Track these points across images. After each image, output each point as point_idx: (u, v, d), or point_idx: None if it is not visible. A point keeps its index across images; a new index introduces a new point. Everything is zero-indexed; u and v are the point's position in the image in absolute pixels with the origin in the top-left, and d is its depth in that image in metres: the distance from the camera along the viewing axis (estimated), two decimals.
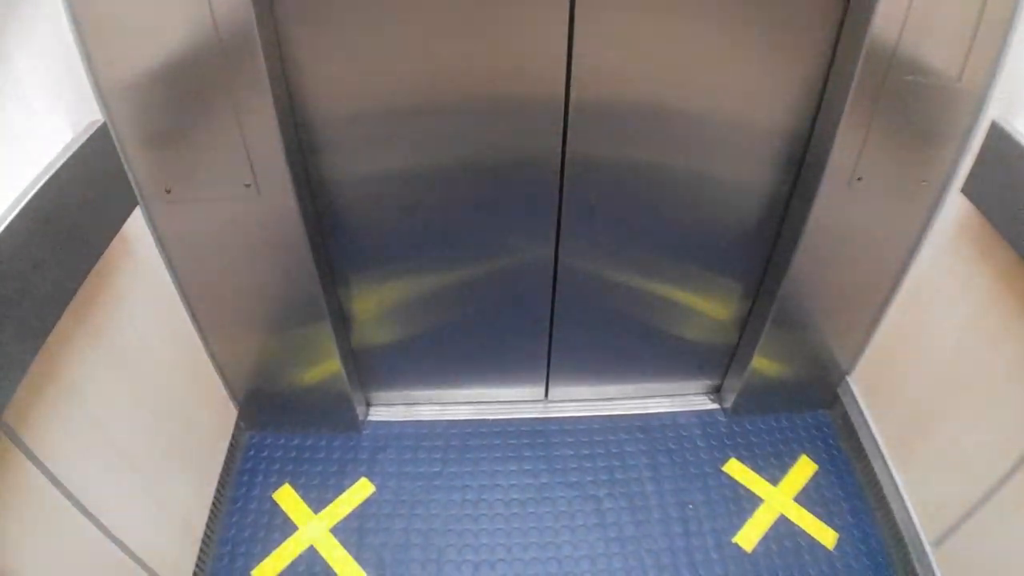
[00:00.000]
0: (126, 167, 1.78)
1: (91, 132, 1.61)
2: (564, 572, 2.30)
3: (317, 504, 2.46)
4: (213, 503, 2.33)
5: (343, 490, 2.51)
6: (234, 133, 1.75)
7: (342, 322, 2.42)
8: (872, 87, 1.77)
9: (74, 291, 1.52)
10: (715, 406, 2.80)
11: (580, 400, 2.82)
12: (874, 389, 2.52)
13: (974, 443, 1.99)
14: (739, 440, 2.67)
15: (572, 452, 2.65)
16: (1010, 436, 1.83)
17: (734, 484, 2.53)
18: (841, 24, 1.79)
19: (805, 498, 2.48)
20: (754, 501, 2.48)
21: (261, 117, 1.73)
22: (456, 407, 2.79)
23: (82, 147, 1.55)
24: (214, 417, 2.43)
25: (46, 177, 1.42)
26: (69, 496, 1.56)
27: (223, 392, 2.47)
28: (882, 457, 2.40)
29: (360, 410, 2.67)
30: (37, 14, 1.47)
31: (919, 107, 1.83)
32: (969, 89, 1.80)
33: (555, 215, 2.17)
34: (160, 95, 1.68)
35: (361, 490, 2.50)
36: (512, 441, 2.69)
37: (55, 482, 1.51)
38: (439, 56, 1.81)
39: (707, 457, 2.62)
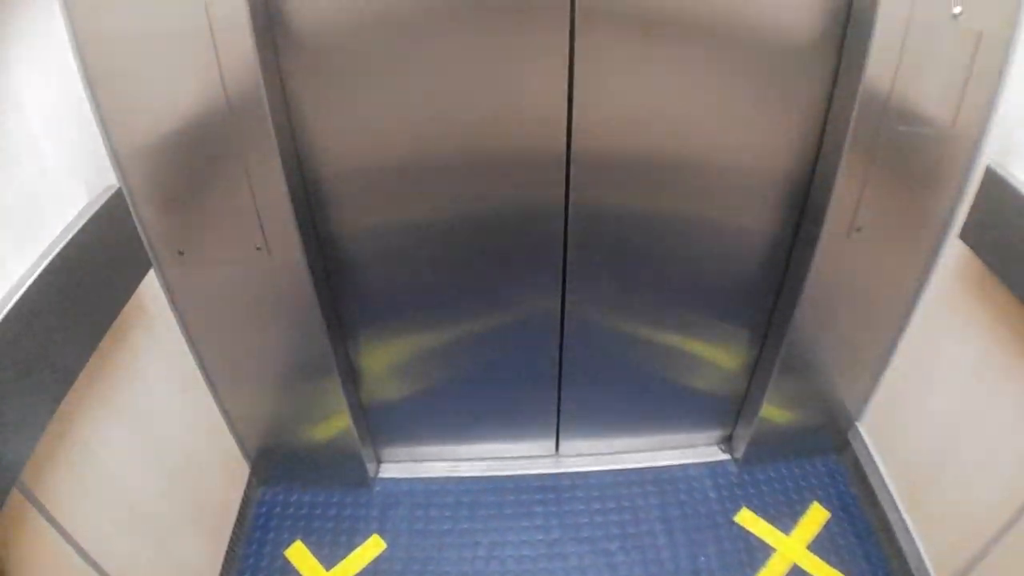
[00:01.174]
0: (140, 230, 1.83)
1: (107, 197, 1.66)
2: None
3: (329, 561, 2.45)
4: (225, 559, 2.33)
5: (355, 547, 2.50)
6: (245, 196, 1.81)
7: (351, 378, 2.44)
8: (867, 138, 1.81)
9: (90, 353, 1.55)
10: (726, 456, 2.80)
11: (591, 454, 2.81)
12: (884, 434, 2.51)
13: (982, 486, 1.98)
14: (750, 489, 2.66)
15: (583, 507, 2.63)
16: (1017, 478, 1.83)
17: (746, 535, 2.51)
18: (835, 76, 1.84)
19: (818, 546, 2.46)
20: (767, 551, 2.45)
21: (271, 180, 1.79)
22: (466, 463, 2.79)
23: (98, 212, 1.60)
24: (226, 473, 2.45)
25: (64, 242, 1.47)
26: (83, 554, 1.57)
27: (235, 448, 2.48)
28: (893, 502, 2.38)
29: (371, 466, 2.68)
30: (56, 82, 1.54)
31: (915, 156, 1.87)
32: (963, 135, 1.84)
33: (560, 267, 2.21)
34: (174, 159, 1.74)
35: (373, 547, 2.50)
36: (523, 497, 2.68)
37: (69, 540, 1.53)
38: (442, 112, 1.87)
39: (719, 508, 2.60)
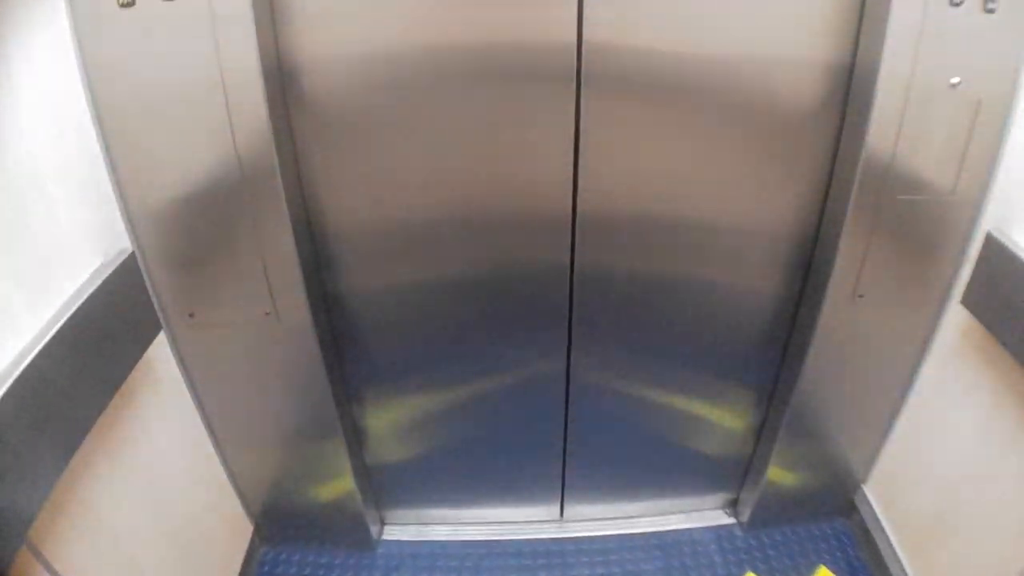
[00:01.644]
0: (151, 293, 1.87)
1: (120, 259, 1.70)
2: None
3: None
4: None
5: None
6: (255, 260, 1.85)
7: (356, 440, 2.45)
8: (869, 206, 1.85)
9: (100, 413, 1.58)
10: (731, 520, 2.77)
11: (595, 519, 2.79)
12: (890, 496, 2.49)
13: (989, 549, 1.97)
14: (756, 554, 2.63)
15: (588, 572, 2.60)
16: (1021, 543, 1.83)
17: None
18: (837, 143, 1.89)
19: None
20: None
21: (280, 244, 1.82)
22: (471, 527, 2.77)
23: (111, 274, 1.64)
24: (230, 532, 2.44)
25: (76, 303, 1.51)
26: None
27: (239, 507, 2.48)
28: (900, 565, 2.36)
29: (374, 528, 2.67)
30: (73, 146, 1.60)
31: (916, 223, 1.91)
32: (964, 202, 1.87)
33: (566, 329, 2.23)
34: (186, 223, 1.78)
35: None
36: (527, 562, 2.65)
37: None
38: (450, 175, 1.91)
39: (724, 572, 2.57)
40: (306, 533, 2.63)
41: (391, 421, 2.47)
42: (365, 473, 2.56)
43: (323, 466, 2.40)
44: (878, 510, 2.53)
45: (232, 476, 2.39)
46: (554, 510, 2.80)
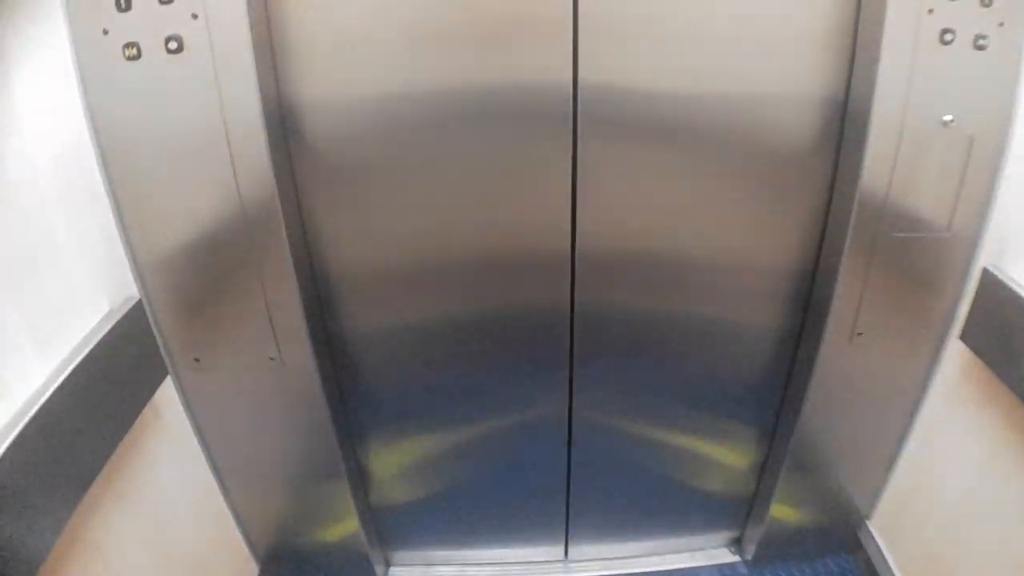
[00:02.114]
0: (158, 338, 1.89)
1: (127, 307, 1.73)
2: None
3: None
4: None
5: None
6: (259, 305, 1.87)
7: (360, 480, 2.46)
8: (865, 244, 1.87)
9: (107, 457, 1.60)
10: (736, 558, 2.76)
11: (600, 559, 2.78)
12: (894, 532, 2.49)
13: None
14: None
15: None
16: None
17: None
18: (833, 181, 1.91)
19: None
20: None
21: (284, 288, 1.85)
22: (475, 568, 2.76)
23: (119, 321, 1.67)
24: (235, 573, 2.44)
25: (86, 349, 1.53)
26: None
27: (244, 549, 2.47)
28: None
29: (379, 570, 2.66)
30: (82, 198, 1.64)
31: (912, 260, 1.92)
32: (959, 238, 1.88)
33: (567, 368, 2.24)
34: (192, 270, 1.81)
35: None
36: None
37: None
38: (449, 217, 1.94)
39: None
40: (311, 574, 2.63)
41: (396, 462, 2.48)
42: (369, 514, 2.56)
43: (328, 507, 2.41)
44: (883, 546, 2.52)
45: (237, 517, 2.39)
46: (559, 551, 2.79)
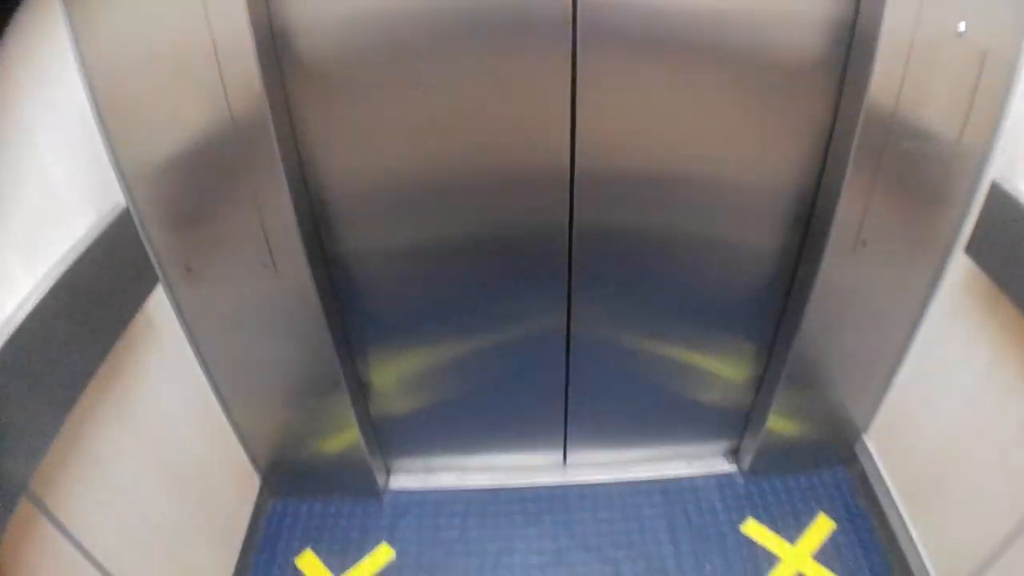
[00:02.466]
0: (147, 247, 1.87)
1: (114, 215, 1.70)
2: None
3: (338, 569, 2.49)
4: (236, 569, 2.37)
5: (364, 555, 2.53)
6: (251, 214, 1.84)
7: (360, 392, 2.48)
8: (872, 154, 1.82)
9: (98, 365, 1.59)
10: (732, 467, 2.81)
11: (598, 465, 2.83)
12: (890, 446, 2.52)
13: (987, 497, 1.99)
14: (757, 500, 2.67)
15: (591, 516, 2.66)
16: (1021, 491, 1.84)
17: (752, 544, 2.52)
18: (839, 93, 1.84)
19: (823, 556, 2.47)
20: (772, 561, 2.47)
21: (276, 199, 1.82)
22: (475, 474, 2.82)
23: (105, 230, 1.64)
24: (237, 485, 2.49)
25: (71, 259, 1.51)
26: (94, 563, 1.61)
27: (246, 461, 2.52)
28: (899, 513, 2.39)
29: (380, 477, 2.72)
30: (63, 106, 1.58)
31: (920, 171, 1.87)
32: (969, 151, 1.84)
33: (565, 284, 2.23)
34: (180, 179, 1.78)
35: (382, 556, 2.53)
36: (531, 507, 2.71)
37: (80, 548, 1.56)
38: (446, 133, 1.89)
39: (725, 518, 2.62)
40: (313, 484, 2.68)
41: (395, 374, 2.49)
42: (370, 424, 2.60)
43: (328, 418, 2.44)
44: (878, 460, 2.56)
45: (237, 429, 2.43)
46: (557, 457, 2.85)
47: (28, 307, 1.37)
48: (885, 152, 1.82)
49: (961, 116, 1.77)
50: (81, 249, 1.55)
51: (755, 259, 2.21)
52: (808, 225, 2.10)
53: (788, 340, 2.29)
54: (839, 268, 2.05)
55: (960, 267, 2.03)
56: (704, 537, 2.56)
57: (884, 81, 1.70)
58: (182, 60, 1.60)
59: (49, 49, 1.54)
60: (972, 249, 1.94)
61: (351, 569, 2.49)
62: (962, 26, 1.64)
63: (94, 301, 1.59)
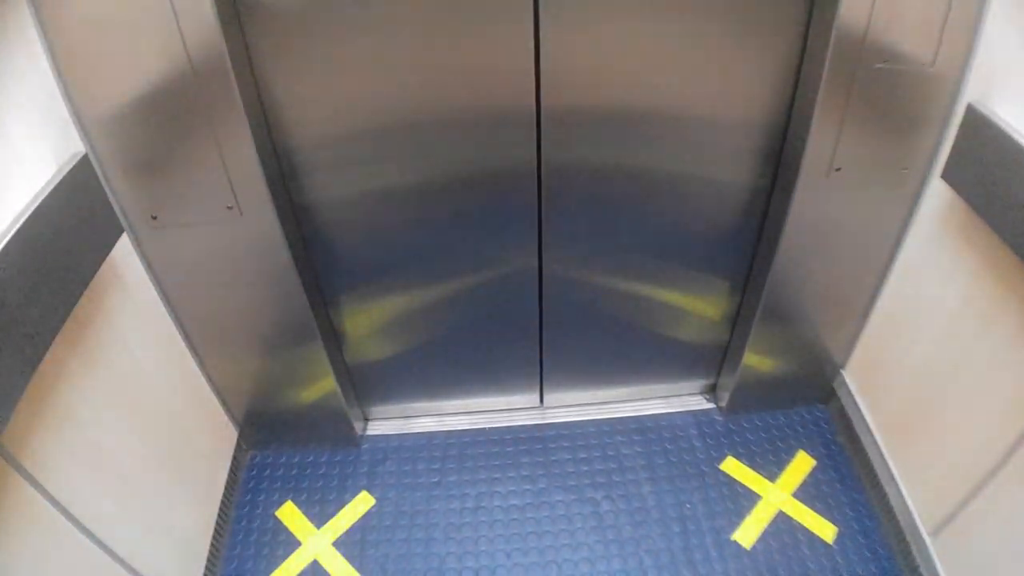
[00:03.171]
0: (110, 196, 1.82)
1: (73, 163, 1.65)
2: (564, 575, 2.32)
3: (319, 519, 2.49)
4: (217, 522, 2.37)
5: (344, 504, 2.54)
6: (214, 158, 1.79)
7: (335, 340, 2.45)
8: (844, 76, 1.77)
9: (64, 318, 1.55)
10: (711, 405, 2.82)
11: (575, 405, 2.84)
12: (868, 381, 2.52)
13: (966, 432, 1.99)
14: (736, 438, 2.69)
15: (569, 456, 2.67)
16: (1000, 423, 1.83)
17: (732, 482, 2.54)
18: (810, 15, 1.79)
19: (803, 493, 2.49)
20: (752, 498, 2.49)
21: (238, 142, 1.77)
22: (453, 417, 2.82)
23: (65, 178, 1.59)
24: (214, 438, 2.47)
25: (31, 209, 1.46)
26: (72, 519, 1.60)
27: (222, 413, 2.50)
28: (879, 449, 2.41)
29: (358, 425, 2.71)
30: (16, 52, 1.51)
31: (894, 94, 1.83)
32: (943, 74, 1.80)
33: (536, 224, 2.19)
34: (140, 125, 1.72)
35: (362, 503, 2.54)
36: (509, 448, 2.72)
37: (57, 505, 1.55)
38: (409, 74, 1.83)
39: (704, 456, 2.63)
40: (291, 434, 2.68)
41: (369, 320, 2.47)
42: (346, 372, 2.58)
43: (303, 367, 2.41)
44: (857, 395, 2.56)
45: (211, 381, 2.40)
46: (534, 398, 2.85)
47: None
48: (857, 76, 1.77)
49: (934, 38, 1.72)
50: (40, 199, 1.50)
51: (727, 193, 2.18)
52: (780, 154, 2.06)
53: (763, 274, 2.27)
54: (812, 198, 2.02)
55: (936, 194, 2.00)
56: (683, 476, 2.57)
57: (854, 2, 1.65)
58: (138, 5, 1.53)
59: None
60: (948, 174, 1.90)
61: (332, 518, 2.50)
62: None
63: (57, 252, 1.55)
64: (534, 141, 1.98)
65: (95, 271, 1.71)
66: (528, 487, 2.57)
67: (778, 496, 2.48)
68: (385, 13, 1.71)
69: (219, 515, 2.39)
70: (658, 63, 1.87)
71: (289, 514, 2.51)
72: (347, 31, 1.73)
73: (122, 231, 1.87)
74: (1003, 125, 1.65)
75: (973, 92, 1.79)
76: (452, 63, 1.83)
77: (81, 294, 1.63)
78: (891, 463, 2.36)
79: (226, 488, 2.48)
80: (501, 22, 1.76)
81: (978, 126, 1.74)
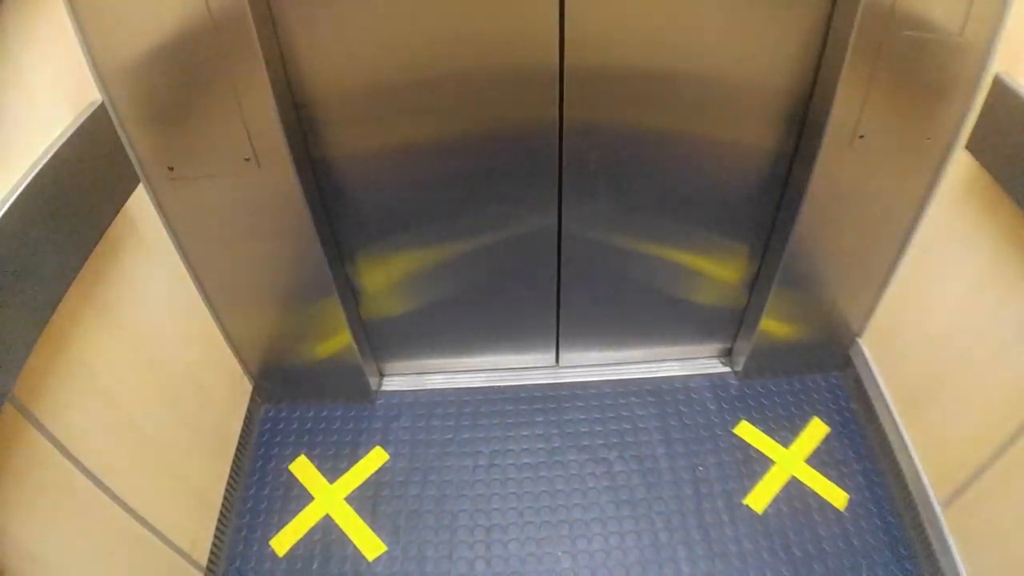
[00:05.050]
0: (127, 146, 1.80)
1: (90, 112, 1.62)
2: (575, 534, 2.34)
3: (332, 474, 2.51)
4: (230, 476, 2.38)
5: (358, 459, 2.55)
6: (232, 109, 1.76)
7: (351, 295, 2.44)
8: (871, 43, 1.74)
9: (78, 268, 1.54)
10: (726, 369, 2.81)
11: (590, 365, 2.83)
12: (885, 350, 2.50)
13: (981, 403, 1.98)
14: (750, 403, 2.68)
15: (583, 416, 2.67)
16: (1016, 397, 1.82)
17: (745, 446, 2.54)
18: None
19: (816, 460, 2.49)
20: (765, 463, 2.49)
21: (257, 93, 1.74)
22: (468, 375, 2.82)
23: (81, 127, 1.57)
24: (228, 391, 2.48)
25: (47, 157, 1.44)
26: (85, 471, 1.60)
27: (237, 366, 2.50)
28: (893, 418, 2.40)
29: (373, 380, 2.71)
30: (36, 4, 1.48)
31: (920, 63, 1.80)
32: (971, 43, 1.76)
33: (556, 183, 2.17)
34: (157, 75, 1.69)
35: (375, 459, 2.55)
36: (523, 407, 2.72)
37: (69, 456, 1.55)
38: (432, 28, 1.80)
39: (718, 420, 2.63)
40: (305, 389, 2.68)
41: (386, 276, 2.45)
42: (362, 327, 2.57)
43: (319, 322, 2.41)
44: (873, 364, 2.55)
45: (226, 334, 2.40)
46: (550, 357, 2.84)
47: (4, 207, 1.31)
48: (884, 44, 1.74)
49: (964, 6, 1.68)
50: (56, 147, 1.48)
51: (749, 157, 2.15)
52: (805, 119, 2.03)
53: (782, 239, 2.25)
54: (836, 164, 1.99)
55: (960, 164, 1.97)
56: (697, 439, 2.57)
57: None
58: None
59: None
60: (973, 146, 1.87)
61: (345, 473, 2.51)
62: None
63: (72, 202, 1.53)
64: (556, 99, 1.95)
65: (111, 221, 1.69)
66: (541, 446, 2.58)
67: (791, 462, 2.48)
68: None
69: (232, 468, 2.41)
70: (683, 24, 1.83)
71: (302, 468, 2.52)
72: None
73: (138, 182, 1.86)
74: None
75: (1001, 63, 1.76)
76: (476, 19, 1.79)
77: (96, 244, 1.62)
78: (905, 432, 2.35)
79: (240, 441, 2.49)
80: None
81: (1005, 98, 1.72)
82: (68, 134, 1.53)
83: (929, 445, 2.25)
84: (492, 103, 1.97)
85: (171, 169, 1.88)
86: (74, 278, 1.53)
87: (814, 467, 2.47)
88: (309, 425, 2.67)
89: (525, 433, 2.63)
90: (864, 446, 2.52)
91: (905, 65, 1.79)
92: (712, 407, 2.67)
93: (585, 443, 2.59)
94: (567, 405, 2.72)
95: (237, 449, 2.46)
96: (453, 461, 2.55)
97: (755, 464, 2.49)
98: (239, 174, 1.90)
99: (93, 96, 1.67)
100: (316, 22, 1.76)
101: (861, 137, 1.93)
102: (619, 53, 1.88)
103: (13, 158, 1.40)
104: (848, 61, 1.76)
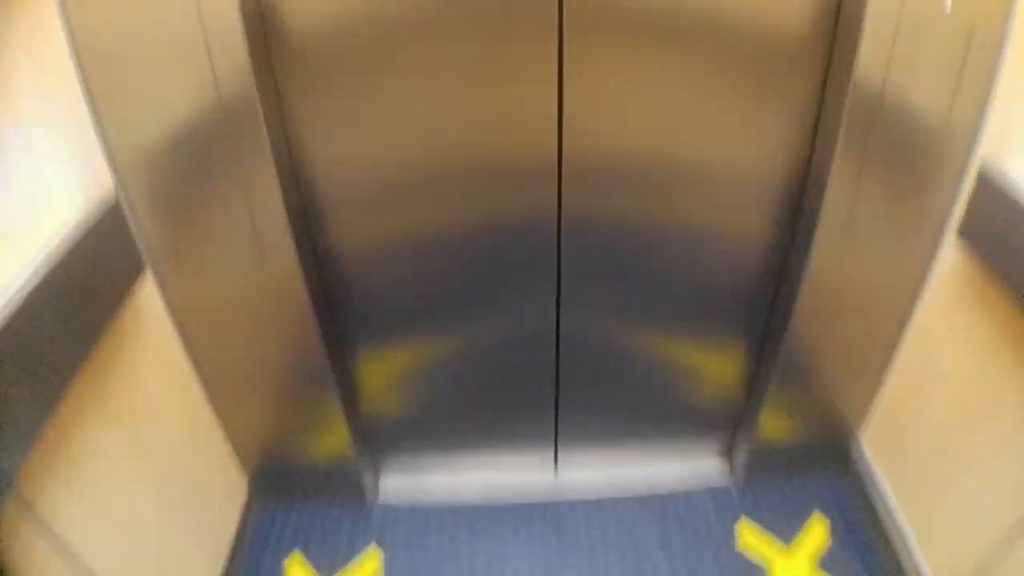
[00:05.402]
0: (135, 236, 1.85)
1: (104, 203, 1.69)
2: None
3: (327, 572, 2.45)
4: (224, 572, 2.33)
5: (353, 560, 2.50)
6: (239, 203, 1.83)
7: (351, 393, 2.46)
8: (860, 136, 1.81)
9: (84, 359, 1.56)
10: (725, 467, 2.79)
11: (589, 468, 2.80)
12: (885, 445, 2.49)
13: (983, 498, 1.96)
14: (750, 503, 2.64)
15: (582, 517, 2.63)
16: (1017, 491, 1.81)
17: (746, 550, 2.49)
18: (826, 75, 1.84)
19: (820, 564, 2.44)
20: (768, 565, 2.44)
21: (266, 189, 1.81)
22: (466, 477, 2.78)
23: (93, 215, 1.62)
24: (225, 488, 2.46)
25: (61, 248, 1.48)
26: (80, 564, 1.58)
27: (234, 463, 2.49)
28: (894, 515, 2.37)
29: (370, 480, 2.68)
30: (54, 90, 1.57)
31: (909, 153, 1.86)
32: (958, 131, 1.82)
33: (555, 279, 2.21)
34: (169, 166, 1.76)
35: (370, 561, 2.49)
36: (521, 513, 2.67)
37: (66, 550, 1.53)
38: (435, 126, 1.89)
39: (717, 520, 2.59)
40: (302, 486, 2.65)
41: (385, 373, 2.47)
42: (360, 425, 2.57)
43: (317, 418, 2.41)
44: (872, 459, 2.53)
45: (225, 429, 2.40)
46: (548, 460, 2.82)
47: (17, 300, 1.34)
48: (873, 133, 1.81)
49: (949, 94, 1.76)
50: (69, 237, 1.53)
51: (745, 250, 2.20)
52: (798, 212, 2.09)
53: (779, 334, 2.27)
54: (829, 255, 2.03)
55: (952, 250, 2.00)
56: (696, 542, 2.52)
57: (871, 61, 1.69)
58: (172, 43, 1.59)
59: (41, 36, 1.52)
60: (964, 232, 1.92)
61: (339, 572, 2.46)
62: (948, 3, 1.63)
63: (81, 292, 1.56)
64: (555, 195, 2.02)
65: (116, 311, 1.73)
66: (539, 557, 2.52)
67: (793, 563, 2.43)
68: (414, 61, 1.78)
69: (227, 565, 2.35)
70: (678, 120, 1.92)
71: (297, 568, 2.47)
72: (373, 75, 1.79)
73: (145, 272, 1.90)
74: (1016, 183, 1.68)
75: (988, 148, 1.82)
76: (477, 112, 1.88)
77: (101, 336, 1.64)
78: (907, 528, 2.31)
79: (235, 537, 2.44)
80: (527, 73, 1.81)
81: (993, 183, 1.76)
82: (82, 225, 1.58)
83: (932, 540, 2.21)
84: (492, 199, 2.04)
85: (178, 259, 1.93)
86: (80, 370, 1.54)
87: (817, 567, 2.42)
88: (305, 523, 2.62)
89: (523, 541, 2.57)
90: (867, 543, 2.47)
91: (894, 156, 1.86)
92: (711, 508, 2.63)
93: (585, 547, 2.53)
94: (565, 508, 2.67)
95: (232, 545, 2.41)
96: (449, 566, 2.49)
97: (758, 572, 2.42)
98: (244, 268, 1.95)
99: (106, 186, 1.74)
100: (322, 111, 1.85)
101: (854, 226, 1.97)
102: (616, 148, 1.96)
103: (26, 245, 1.44)
104: (838, 154, 1.83)
